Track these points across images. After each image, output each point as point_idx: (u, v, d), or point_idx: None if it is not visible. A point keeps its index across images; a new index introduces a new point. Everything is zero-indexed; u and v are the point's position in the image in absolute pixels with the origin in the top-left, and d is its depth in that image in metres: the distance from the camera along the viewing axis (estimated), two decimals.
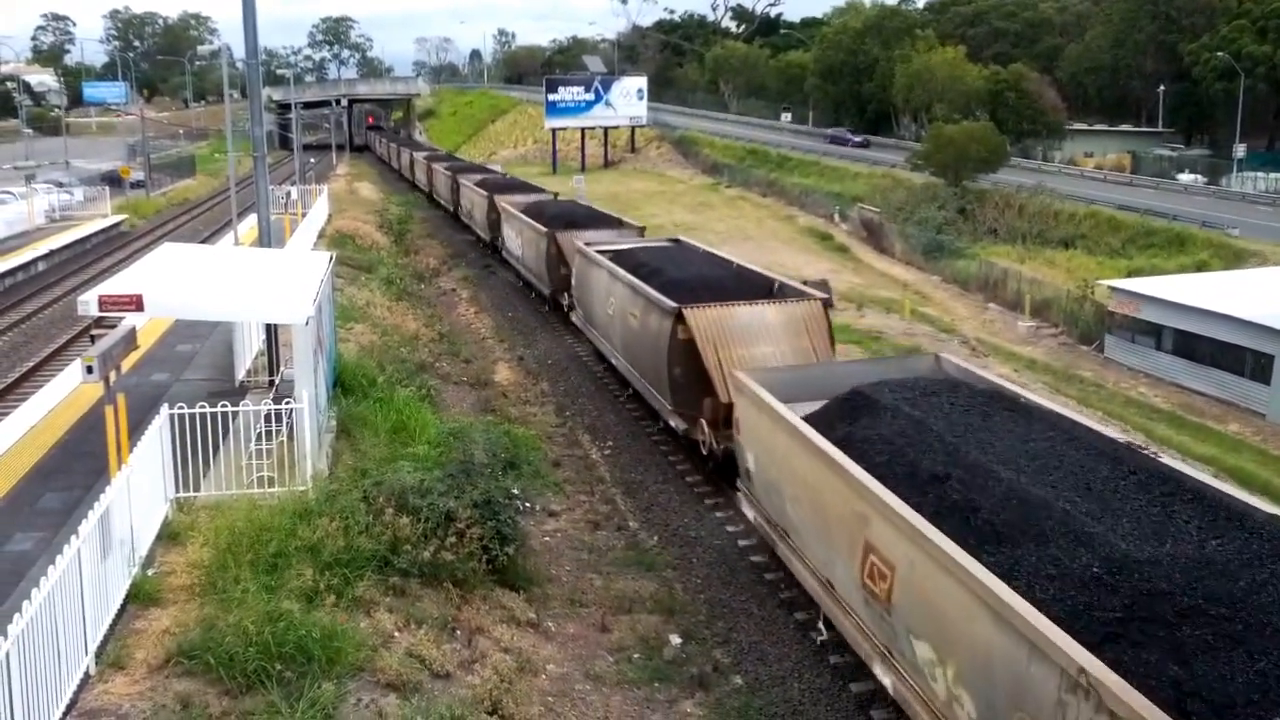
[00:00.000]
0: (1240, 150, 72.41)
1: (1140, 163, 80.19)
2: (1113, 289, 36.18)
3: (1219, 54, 78.14)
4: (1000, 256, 50.57)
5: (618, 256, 27.43)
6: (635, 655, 14.47)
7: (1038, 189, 62.08)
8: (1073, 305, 39.03)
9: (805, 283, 23.74)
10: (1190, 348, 31.88)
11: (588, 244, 30.14)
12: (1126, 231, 55.05)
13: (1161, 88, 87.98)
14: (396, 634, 11.86)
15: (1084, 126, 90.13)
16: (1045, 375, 32.22)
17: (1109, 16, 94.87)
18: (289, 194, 46.46)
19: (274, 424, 15.18)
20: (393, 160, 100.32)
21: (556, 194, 50.19)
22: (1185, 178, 72.61)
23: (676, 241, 31.45)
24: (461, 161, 76.83)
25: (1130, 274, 43.53)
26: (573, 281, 31.43)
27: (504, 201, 45.27)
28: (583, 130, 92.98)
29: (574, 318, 31.33)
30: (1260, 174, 69.38)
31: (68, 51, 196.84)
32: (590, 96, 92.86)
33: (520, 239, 40.51)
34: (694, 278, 23.64)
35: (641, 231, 35.78)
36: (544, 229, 36.11)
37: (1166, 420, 28.44)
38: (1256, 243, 49.44)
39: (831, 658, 14.50)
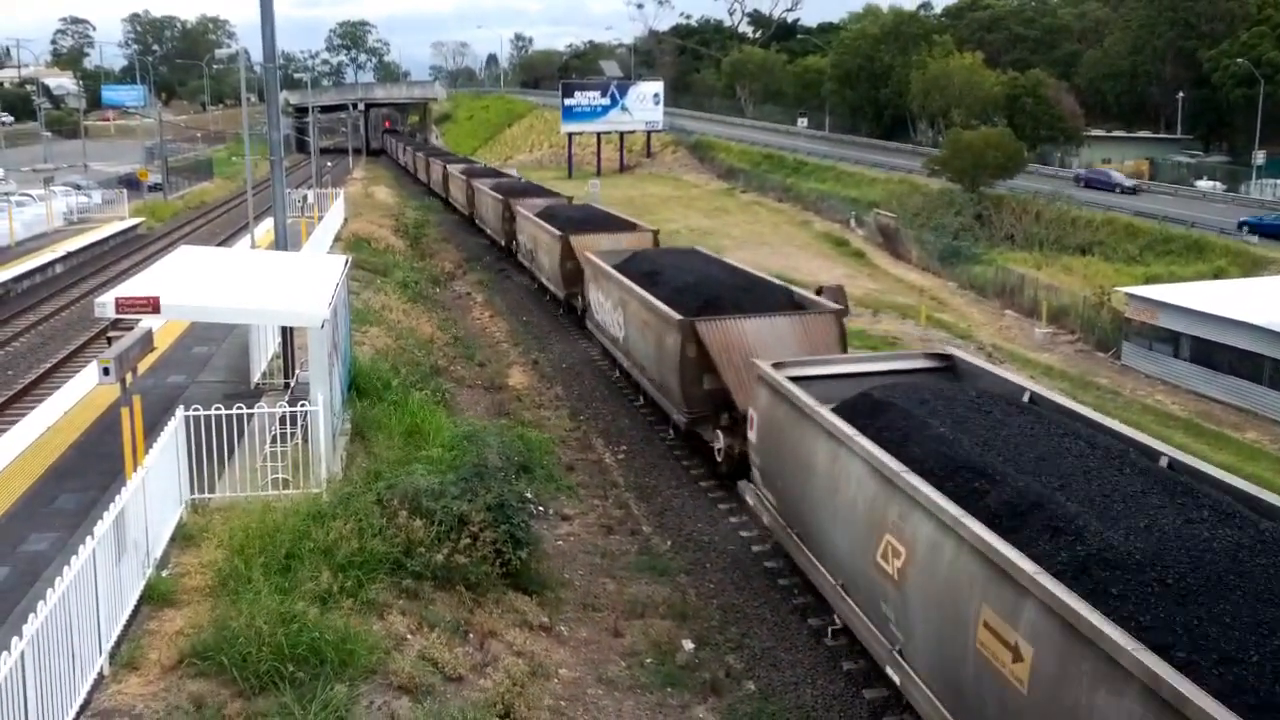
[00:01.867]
0: (1259, 157, 71.92)
1: (1159, 169, 79.78)
2: (1130, 296, 35.98)
3: (1238, 60, 77.70)
4: (1017, 263, 50.35)
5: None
6: (648, 660, 14.43)
7: (1055, 195, 61.82)
8: (1090, 312, 38.83)
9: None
10: (1208, 355, 31.67)
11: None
12: (1144, 238, 54.75)
13: (1180, 94, 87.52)
14: (409, 637, 11.87)
15: (1102, 133, 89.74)
16: (1062, 382, 32.04)
17: (1128, 23, 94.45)
18: (306, 197, 46.64)
19: (289, 426, 15.22)
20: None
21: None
22: (1204, 184, 72.19)
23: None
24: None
25: (1148, 281, 43.29)
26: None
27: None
28: (599, 135, 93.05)
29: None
30: (1279, 181, 68.93)
31: (87, 55, 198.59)
32: (606, 101, 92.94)
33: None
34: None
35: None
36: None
37: (1184, 428, 28.25)
38: (1275, 250, 49.12)
39: (845, 664, 14.45)
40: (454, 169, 68.70)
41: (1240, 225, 55.30)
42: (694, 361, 20.65)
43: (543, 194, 50.60)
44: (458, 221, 62.96)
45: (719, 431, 20.30)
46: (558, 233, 36.06)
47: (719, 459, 20.46)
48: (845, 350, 20.89)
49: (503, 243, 48.61)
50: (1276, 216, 56.71)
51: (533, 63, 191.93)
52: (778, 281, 24.84)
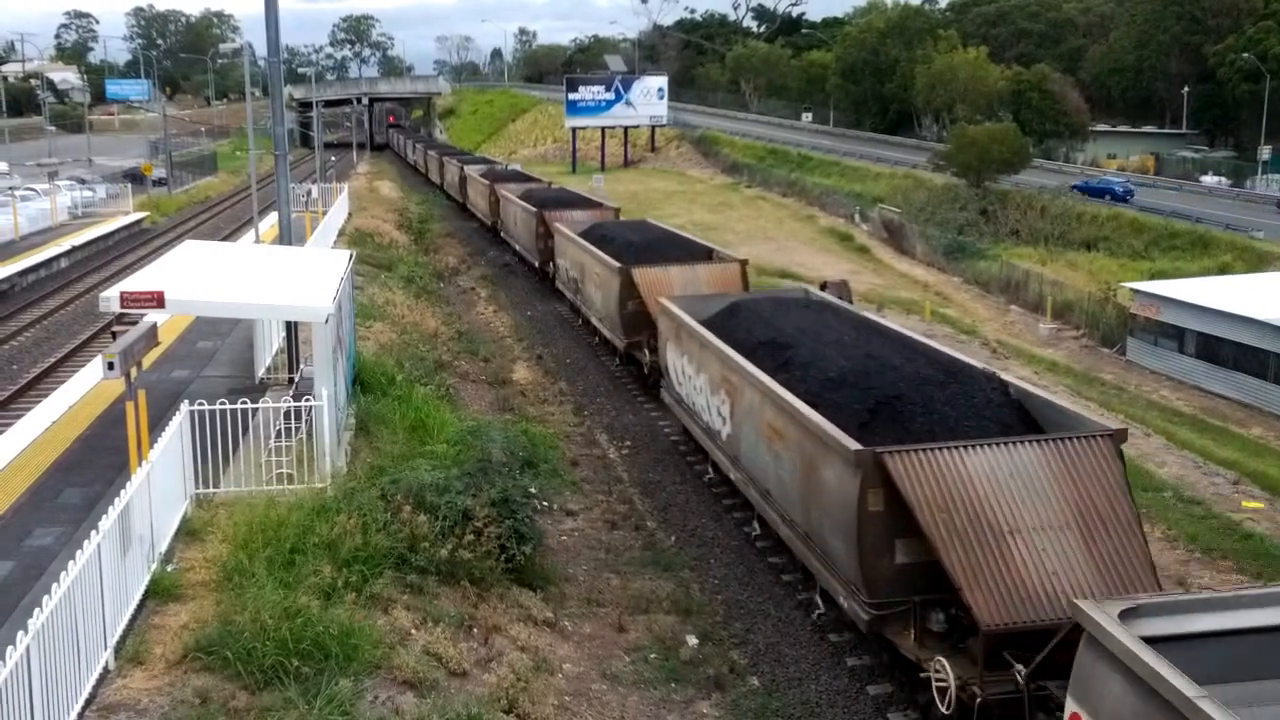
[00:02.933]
0: (1265, 152, 71.78)
1: (1164, 164, 79.59)
2: (1135, 291, 35.93)
3: (1244, 55, 77.47)
4: (1022, 258, 50.28)
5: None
6: (652, 655, 14.45)
7: (1060, 190, 61.69)
8: (1094, 307, 38.79)
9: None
10: (1213, 351, 31.62)
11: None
12: (1149, 234, 54.65)
13: (1186, 89, 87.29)
14: (414, 632, 11.89)
15: (1107, 128, 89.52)
16: (1066, 378, 32.00)
17: (1133, 17, 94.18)
18: (310, 192, 46.56)
19: (293, 421, 15.23)
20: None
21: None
22: (1209, 180, 72.02)
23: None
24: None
25: (1152, 276, 43.22)
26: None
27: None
28: (603, 129, 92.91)
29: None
30: None
31: (91, 49, 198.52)
32: (610, 96, 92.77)
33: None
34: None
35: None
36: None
37: (1188, 424, 28.20)
38: (1278, 245, 49.00)
39: (849, 659, 14.46)
40: (473, 172, 61.83)
41: (1071, 189, 64.38)
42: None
43: (585, 205, 43.39)
44: (463, 215, 62.94)
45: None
46: (616, 264, 28.36)
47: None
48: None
49: (536, 263, 41.88)
50: (1098, 181, 67.38)
51: (537, 57, 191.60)
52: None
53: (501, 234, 50.10)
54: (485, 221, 54.25)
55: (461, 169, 66.46)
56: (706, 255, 29.31)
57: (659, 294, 24.51)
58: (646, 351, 26.32)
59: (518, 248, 46.04)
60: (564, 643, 14.23)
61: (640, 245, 30.50)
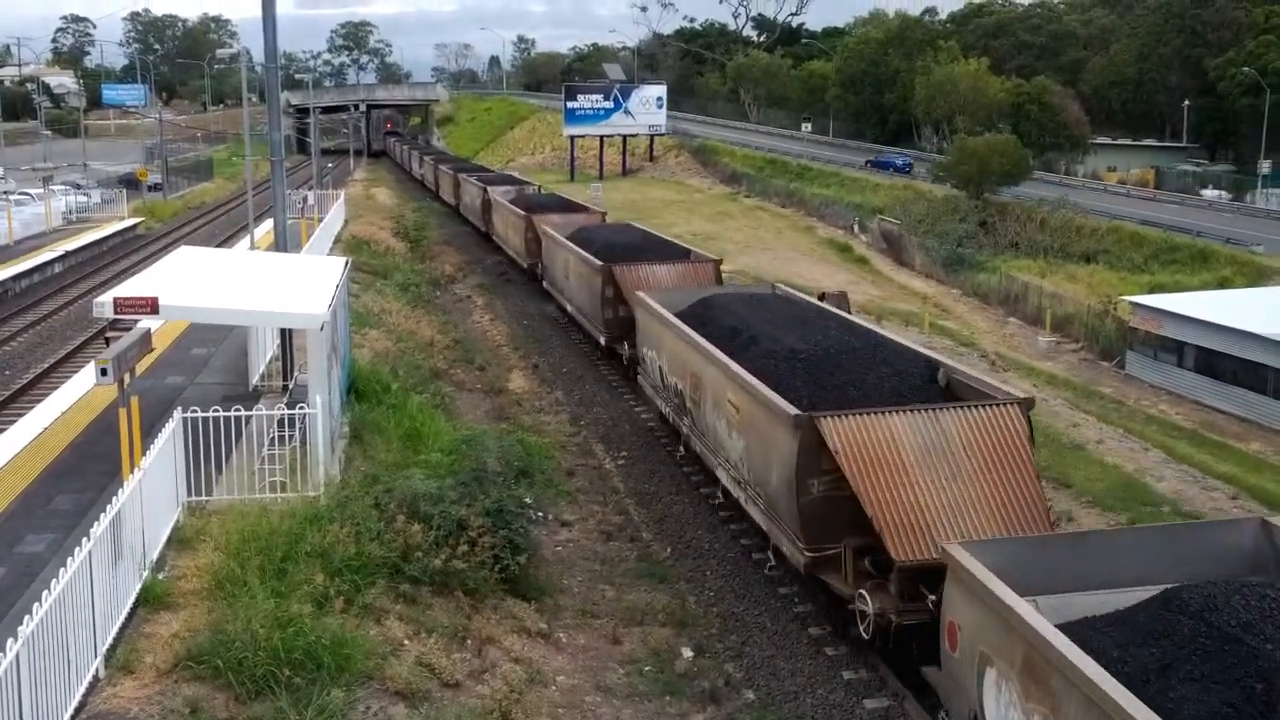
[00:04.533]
0: (1265, 166, 71.82)
1: (1164, 178, 79.67)
2: (1134, 305, 35.87)
3: (1245, 69, 77.59)
4: (1021, 270, 50.24)
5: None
6: (646, 668, 14.35)
7: (1060, 203, 61.73)
8: (1094, 321, 38.73)
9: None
10: (1212, 365, 31.55)
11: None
12: (1149, 247, 54.63)
13: (1186, 103, 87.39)
14: (406, 642, 11.81)
15: (1108, 140, 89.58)
16: (1065, 391, 31.94)
17: (1134, 30, 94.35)
18: (306, 199, 46.56)
19: (287, 429, 15.14)
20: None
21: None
22: (1209, 193, 72.08)
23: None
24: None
25: (1152, 290, 43.15)
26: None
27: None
28: (601, 138, 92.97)
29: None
30: None
31: (87, 53, 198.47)
32: (609, 104, 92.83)
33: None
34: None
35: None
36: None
37: (1187, 438, 28.13)
38: (1278, 259, 48.99)
39: (845, 673, 14.36)
40: (499, 195, 49.56)
41: (866, 163, 75.50)
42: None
43: (668, 255, 30.94)
44: (457, 222, 62.88)
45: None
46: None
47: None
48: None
49: (603, 340, 29.45)
50: (884, 157, 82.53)
51: (535, 65, 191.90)
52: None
53: (545, 282, 38.11)
54: (521, 263, 42.95)
55: (484, 192, 52.52)
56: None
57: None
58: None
59: (580, 318, 32.54)
60: (558, 654, 14.13)
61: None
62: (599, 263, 29.10)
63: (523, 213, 42.27)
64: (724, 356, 18.04)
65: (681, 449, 21.77)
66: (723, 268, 31.14)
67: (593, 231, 36.05)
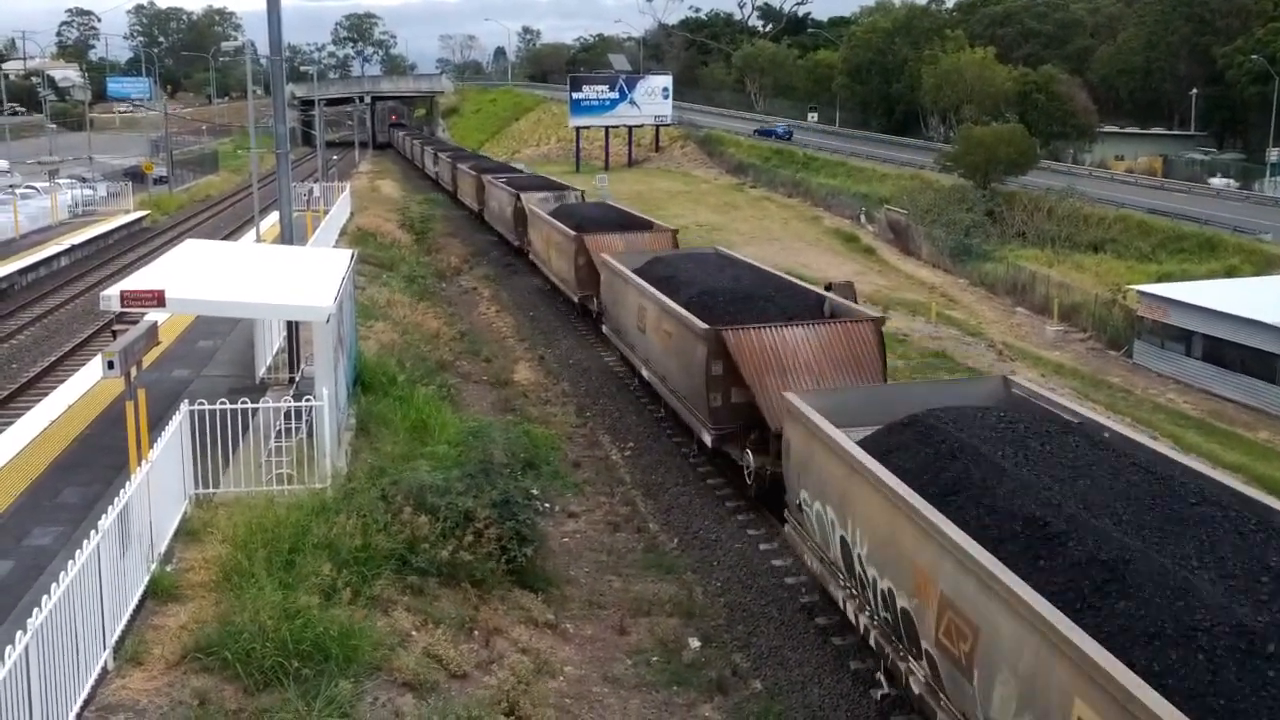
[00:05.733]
0: (1274, 155, 71.44)
1: (1172, 166, 79.33)
2: (1142, 294, 35.75)
3: (1253, 57, 77.18)
4: (1028, 260, 50.06)
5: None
6: (654, 658, 14.36)
7: (1067, 192, 61.50)
8: (1101, 310, 38.59)
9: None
10: (1220, 354, 31.45)
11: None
12: (1157, 236, 54.42)
13: (1194, 91, 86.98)
14: (414, 633, 11.83)
15: (1115, 129, 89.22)
16: (1073, 380, 31.86)
17: (1142, 18, 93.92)
18: (311, 191, 46.56)
19: (294, 421, 15.15)
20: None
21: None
22: (1217, 182, 71.76)
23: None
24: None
25: (1160, 279, 43.00)
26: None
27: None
28: (607, 129, 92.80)
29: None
30: None
31: (92, 46, 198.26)
32: (615, 95, 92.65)
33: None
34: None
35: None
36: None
37: (1195, 427, 28.07)
38: None
39: (852, 663, 14.35)
40: (536, 204, 42.89)
41: (755, 133, 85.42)
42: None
43: (800, 304, 23.13)
44: (465, 216, 62.83)
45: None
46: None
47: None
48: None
49: (710, 439, 21.09)
50: (767, 127, 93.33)
51: (540, 56, 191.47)
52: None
53: (606, 328, 29.62)
54: (569, 295, 35.45)
55: (517, 200, 45.28)
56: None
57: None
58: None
59: (674, 401, 23.63)
60: (565, 645, 14.15)
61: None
62: (703, 326, 20.47)
63: (571, 232, 34.70)
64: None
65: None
66: None
67: (675, 265, 26.72)
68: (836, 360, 19.57)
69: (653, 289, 24.19)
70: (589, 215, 39.68)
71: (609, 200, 45.95)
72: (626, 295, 26.78)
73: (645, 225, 36.62)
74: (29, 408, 19.02)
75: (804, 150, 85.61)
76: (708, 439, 20.36)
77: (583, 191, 50.18)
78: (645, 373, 24.97)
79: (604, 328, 29.71)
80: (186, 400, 14.06)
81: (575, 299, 34.84)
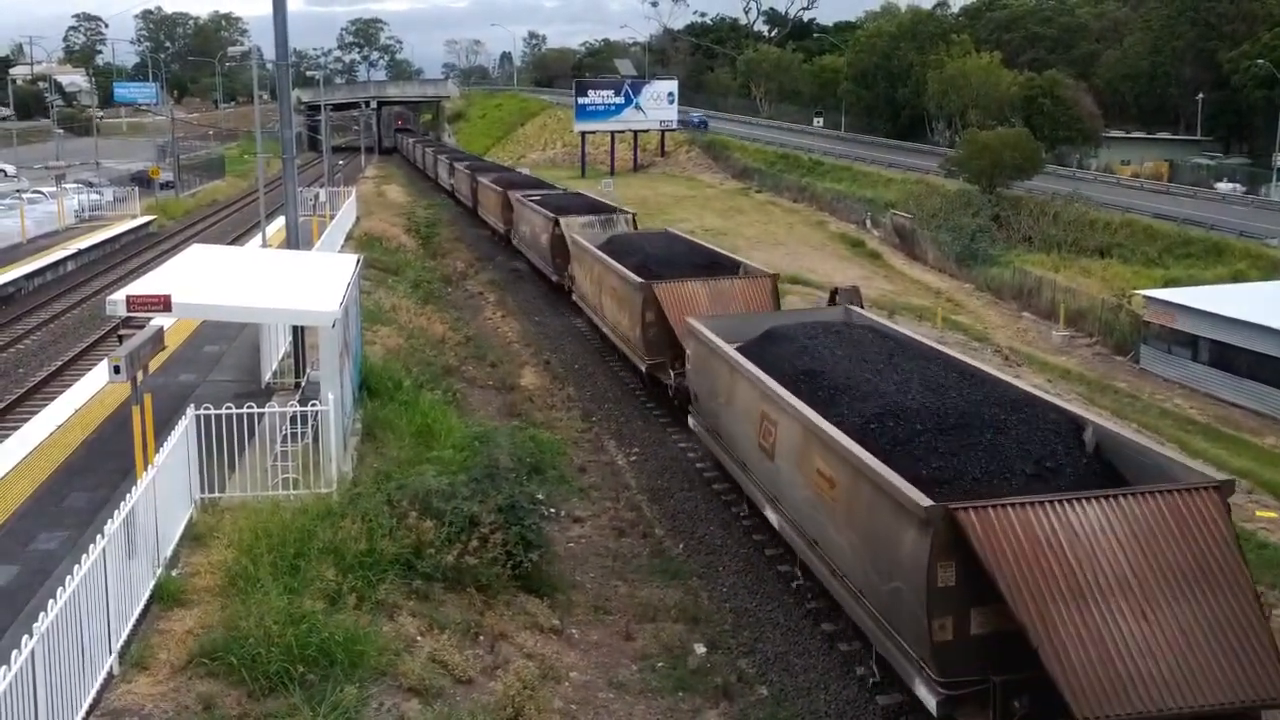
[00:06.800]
0: None
1: (1178, 171, 79.21)
2: (1148, 299, 35.70)
3: (1259, 62, 77.11)
4: (1035, 264, 50.02)
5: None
6: (659, 664, 14.32)
7: (1073, 197, 61.45)
8: (1108, 315, 38.55)
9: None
10: (1227, 359, 31.37)
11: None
12: (1163, 240, 54.35)
13: (1200, 95, 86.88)
14: (419, 638, 11.81)
15: (1121, 134, 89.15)
16: (1079, 385, 31.81)
17: (1147, 23, 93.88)
18: (317, 196, 46.58)
19: (299, 426, 15.15)
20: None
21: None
22: (1224, 186, 71.64)
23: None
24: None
25: (1166, 283, 42.94)
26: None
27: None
28: (612, 134, 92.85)
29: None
30: None
31: (99, 52, 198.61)
32: (620, 100, 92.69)
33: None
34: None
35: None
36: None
37: (1202, 433, 27.98)
38: None
39: (858, 669, 14.31)
40: (579, 231, 36.16)
41: (682, 124, 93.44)
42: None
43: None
44: (470, 220, 62.88)
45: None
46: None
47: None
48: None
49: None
50: (688, 117, 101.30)
51: (547, 61, 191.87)
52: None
53: (693, 418, 22.21)
54: (632, 356, 27.55)
55: (555, 225, 38.71)
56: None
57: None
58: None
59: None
60: (571, 650, 14.12)
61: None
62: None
63: (635, 279, 26.16)
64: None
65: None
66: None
67: (813, 352, 18.04)
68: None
69: (794, 400, 15.45)
70: (653, 252, 29.43)
71: (672, 229, 36.65)
72: (588, 265, 24.13)
73: (731, 268, 27.52)
74: (35, 412, 19.03)
75: (809, 155, 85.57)
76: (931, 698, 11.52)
77: (634, 214, 40.93)
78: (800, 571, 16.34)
79: (691, 419, 21.79)
80: (192, 405, 14.07)
81: (642, 367, 25.95)
